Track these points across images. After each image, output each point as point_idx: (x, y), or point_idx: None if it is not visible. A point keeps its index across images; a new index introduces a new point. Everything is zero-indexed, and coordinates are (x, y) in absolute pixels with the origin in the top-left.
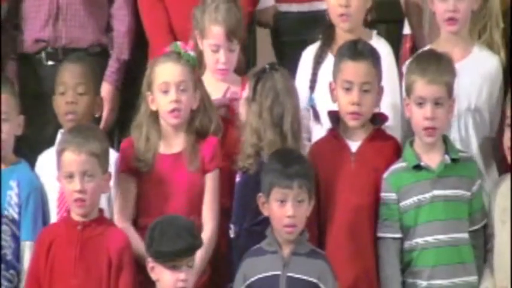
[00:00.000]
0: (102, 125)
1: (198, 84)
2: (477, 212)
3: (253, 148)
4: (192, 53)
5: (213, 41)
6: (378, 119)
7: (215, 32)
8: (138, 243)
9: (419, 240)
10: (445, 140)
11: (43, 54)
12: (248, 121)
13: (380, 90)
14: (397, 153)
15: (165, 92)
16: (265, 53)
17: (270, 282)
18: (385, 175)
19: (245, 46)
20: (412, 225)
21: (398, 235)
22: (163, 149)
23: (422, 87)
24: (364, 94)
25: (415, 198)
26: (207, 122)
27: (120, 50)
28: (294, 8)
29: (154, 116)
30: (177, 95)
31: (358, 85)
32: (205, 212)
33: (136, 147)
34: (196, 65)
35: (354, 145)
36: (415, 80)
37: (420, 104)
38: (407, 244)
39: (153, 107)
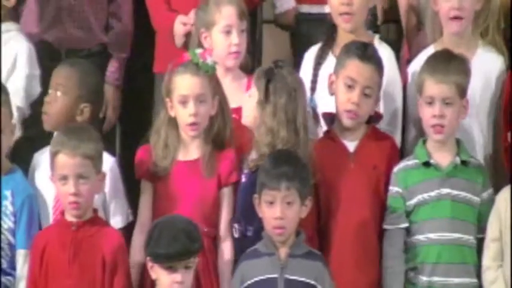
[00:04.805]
0: (105, 124)
1: (216, 87)
2: (486, 220)
3: (268, 147)
4: (210, 61)
5: (224, 21)
6: (373, 117)
7: (227, 12)
8: None
9: (423, 236)
10: (458, 142)
11: (46, 55)
12: (262, 122)
13: (377, 99)
14: (394, 151)
15: (184, 103)
16: (271, 50)
17: (268, 285)
18: (395, 169)
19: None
20: (417, 221)
21: (405, 224)
22: (181, 155)
23: (431, 86)
24: (365, 97)
25: (420, 197)
26: (222, 126)
27: (119, 48)
28: (315, 9)
29: (173, 121)
30: (196, 108)
31: (361, 86)
32: (224, 227)
33: (155, 153)
34: (215, 72)
35: (351, 145)
36: (425, 79)
37: (429, 103)
38: (411, 239)
39: (172, 114)
